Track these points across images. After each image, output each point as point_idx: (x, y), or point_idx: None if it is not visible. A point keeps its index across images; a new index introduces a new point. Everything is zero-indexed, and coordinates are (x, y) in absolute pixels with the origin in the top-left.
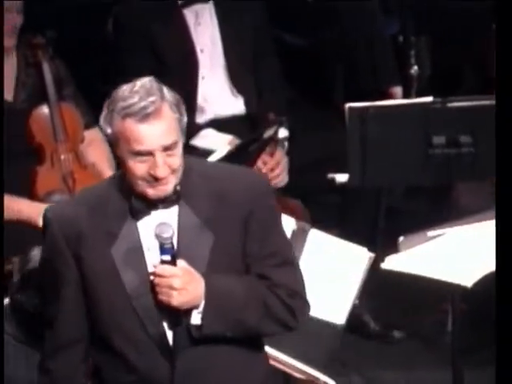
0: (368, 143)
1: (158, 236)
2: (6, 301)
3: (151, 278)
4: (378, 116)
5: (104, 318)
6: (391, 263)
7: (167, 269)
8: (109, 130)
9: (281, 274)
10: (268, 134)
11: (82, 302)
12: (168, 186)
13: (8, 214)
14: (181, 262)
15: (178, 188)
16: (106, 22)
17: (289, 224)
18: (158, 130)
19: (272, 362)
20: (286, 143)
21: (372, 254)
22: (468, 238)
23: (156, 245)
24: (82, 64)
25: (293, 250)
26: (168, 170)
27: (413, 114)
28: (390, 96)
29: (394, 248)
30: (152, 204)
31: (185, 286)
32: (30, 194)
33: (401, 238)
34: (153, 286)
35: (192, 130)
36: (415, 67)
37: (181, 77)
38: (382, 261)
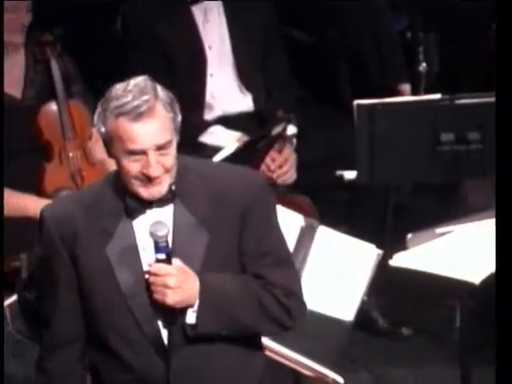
0: (376, 140)
1: (152, 234)
2: (14, 298)
3: (146, 276)
4: (386, 113)
5: (100, 317)
6: (399, 260)
7: (162, 267)
8: (102, 129)
9: (277, 273)
10: (276, 130)
11: (78, 301)
12: (162, 187)
13: (16, 210)
14: (176, 261)
15: (173, 187)
16: (114, 19)
17: (297, 221)
18: (152, 129)
19: (280, 359)
20: (295, 140)
21: (380, 251)
22: (476, 235)
23: (151, 244)
24: (90, 61)
25: (289, 250)
26: (161, 169)
27: (421, 111)
28: (399, 93)
29: (402, 245)
30: (147, 203)
31: (179, 284)
32: (39, 190)
33: (409, 235)
34: (148, 285)
35: (200, 126)
36: (423, 64)
37: (189, 74)
38: (391, 258)
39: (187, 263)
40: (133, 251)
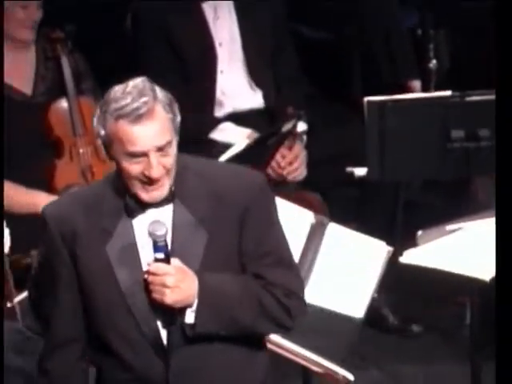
0: (386, 137)
1: (151, 234)
2: (25, 294)
3: (145, 276)
4: (396, 110)
5: (100, 317)
6: (410, 257)
7: (160, 267)
8: (102, 132)
9: (276, 273)
10: (286, 127)
11: (79, 301)
12: (163, 190)
13: (26, 207)
14: (175, 261)
15: (173, 188)
16: (124, 15)
17: (307, 218)
18: (152, 131)
19: (290, 356)
20: (305, 137)
21: (390, 248)
22: (486, 232)
23: (151, 243)
24: (100, 58)
25: (290, 249)
26: (162, 170)
27: (431, 108)
28: (409, 90)
29: (412, 242)
30: (147, 203)
31: (178, 284)
32: (49, 187)
33: (419, 232)
34: (146, 284)
35: (210, 123)
36: (434, 61)
37: (199, 71)
38: (401, 255)
39: (186, 263)
40: (132, 250)
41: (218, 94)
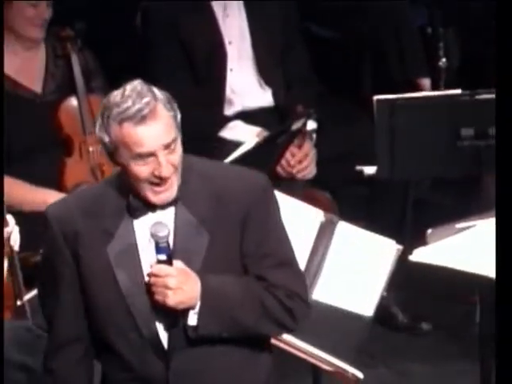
0: (396, 135)
1: (153, 235)
2: (34, 292)
3: (146, 277)
4: (406, 108)
5: (100, 317)
6: (419, 255)
7: (163, 268)
8: (106, 139)
9: (279, 274)
10: (296, 126)
11: (81, 300)
12: (172, 191)
13: (36, 205)
14: (177, 262)
15: (178, 192)
16: (134, 14)
17: (317, 216)
18: (157, 130)
19: (300, 354)
20: (314, 135)
21: (400, 246)
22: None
23: (151, 244)
24: (110, 56)
25: (293, 251)
26: (171, 168)
27: (441, 106)
28: (419, 88)
29: (422, 240)
30: (151, 204)
31: (180, 285)
32: (59, 185)
33: (429, 231)
34: (149, 286)
35: (220, 121)
36: (443, 59)
37: (209, 69)
38: (410, 253)
39: (188, 264)
40: (133, 252)
41: (228, 92)
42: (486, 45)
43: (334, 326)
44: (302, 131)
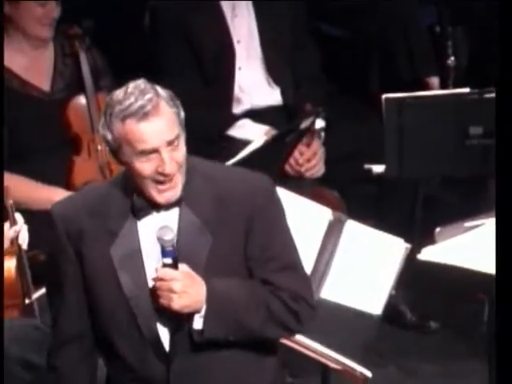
0: (405, 134)
1: (159, 239)
2: (42, 291)
3: (150, 281)
4: (414, 107)
5: (103, 316)
6: (428, 254)
7: (168, 272)
8: (109, 136)
9: (283, 277)
10: (305, 124)
11: (84, 299)
12: (176, 191)
13: (44, 203)
14: (182, 266)
15: (182, 192)
16: (142, 12)
17: (325, 215)
18: (159, 126)
19: (308, 353)
20: (323, 134)
21: (408, 245)
22: None
23: (154, 246)
24: (118, 55)
25: (298, 254)
26: (175, 165)
27: (449, 105)
28: (428, 86)
29: (430, 239)
30: (155, 204)
31: (185, 289)
32: (67, 184)
33: (437, 229)
34: (154, 290)
35: (229, 120)
36: (452, 58)
37: (218, 68)
38: (419, 251)
39: (190, 265)
40: (136, 253)
41: (236, 91)
42: (494, 44)
43: (342, 325)
44: (310, 130)
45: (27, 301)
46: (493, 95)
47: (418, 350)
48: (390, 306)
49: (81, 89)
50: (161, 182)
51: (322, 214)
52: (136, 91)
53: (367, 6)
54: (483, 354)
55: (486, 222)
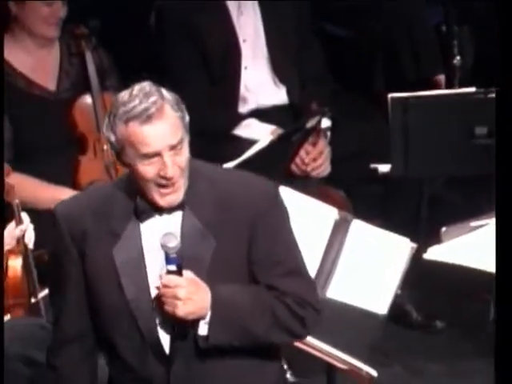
0: (410, 133)
1: (163, 246)
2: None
3: (153, 289)
4: (420, 106)
5: (104, 317)
6: (434, 253)
7: (172, 279)
8: (112, 138)
9: (288, 282)
10: (311, 124)
11: (86, 299)
12: (178, 194)
13: (51, 203)
14: (187, 273)
15: (185, 196)
16: (148, 12)
17: (331, 214)
18: (163, 130)
19: (314, 352)
20: (329, 133)
21: (414, 245)
22: None
23: (157, 248)
24: (124, 54)
25: (301, 259)
26: (177, 169)
27: (455, 105)
28: (436, 83)
29: (436, 238)
30: (158, 207)
31: (190, 296)
32: (73, 183)
33: (443, 229)
34: (159, 297)
35: (234, 119)
36: (458, 57)
37: (224, 67)
38: (424, 251)
39: (193, 269)
40: (138, 255)
41: (242, 90)
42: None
43: (348, 324)
44: (316, 129)
45: (33, 300)
46: None
47: (423, 350)
48: (396, 306)
49: (87, 88)
50: (163, 186)
51: (328, 214)
52: (141, 93)
53: (372, 5)
54: (489, 354)
55: (492, 221)
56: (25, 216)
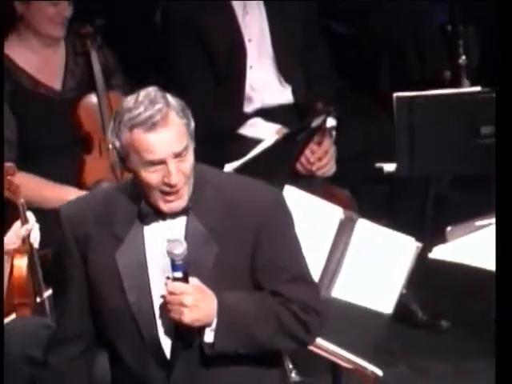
0: (416, 132)
1: (169, 253)
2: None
3: (156, 290)
4: (425, 105)
5: (106, 320)
6: (439, 253)
7: (178, 286)
8: (117, 144)
9: (293, 289)
10: (316, 123)
11: (87, 301)
12: (182, 201)
13: (57, 202)
14: (193, 280)
15: (189, 202)
16: (153, 11)
17: (336, 213)
18: (167, 138)
19: (319, 351)
20: (334, 132)
21: (419, 244)
22: None
23: (159, 253)
24: (129, 54)
25: (305, 265)
26: (182, 176)
27: (461, 104)
28: (443, 80)
29: (441, 237)
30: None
31: (196, 303)
32: (79, 182)
33: (448, 228)
34: (165, 304)
35: (240, 119)
36: (463, 57)
37: (229, 66)
38: (430, 250)
39: (196, 274)
40: (140, 259)
41: (248, 90)
42: None
43: (353, 324)
44: (321, 128)
45: (38, 299)
46: None
47: (429, 349)
48: (401, 305)
49: (92, 88)
50: (167, 193)
51: (333, 213)
52: (146, 100)
53: (377, 5)
54: (494, 354)
55: None
56: (30, 215)
